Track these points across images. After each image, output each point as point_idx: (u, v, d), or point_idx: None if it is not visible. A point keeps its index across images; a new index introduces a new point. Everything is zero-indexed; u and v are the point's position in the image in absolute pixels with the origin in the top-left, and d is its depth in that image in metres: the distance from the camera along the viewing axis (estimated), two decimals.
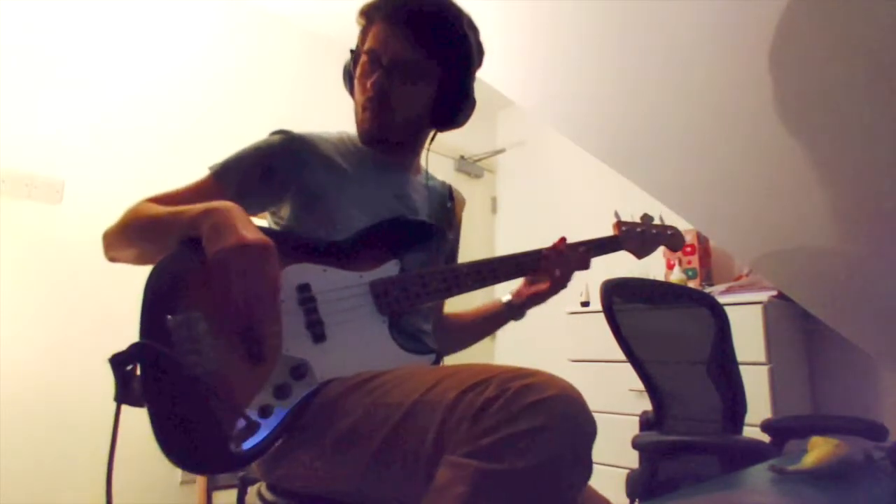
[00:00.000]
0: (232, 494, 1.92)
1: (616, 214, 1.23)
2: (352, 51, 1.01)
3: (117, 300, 2.08)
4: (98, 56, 2.24)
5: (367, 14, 0.98)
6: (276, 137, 0.95)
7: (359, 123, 0.99)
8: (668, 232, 1.28)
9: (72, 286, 2.05)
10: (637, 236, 1.22)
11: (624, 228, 1.21)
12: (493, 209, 3.62)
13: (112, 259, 0.91)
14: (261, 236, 0.75)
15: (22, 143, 2.02)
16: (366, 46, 0.97)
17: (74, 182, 2.11)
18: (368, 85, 0.95)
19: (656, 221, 1.27)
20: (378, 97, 0.95)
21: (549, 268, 1.07)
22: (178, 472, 2.22)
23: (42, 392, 1.95)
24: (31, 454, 1.91)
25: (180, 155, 2.28)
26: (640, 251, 1.23)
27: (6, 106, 1.99)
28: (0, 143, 1.96)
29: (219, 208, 0.77)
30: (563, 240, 1.11)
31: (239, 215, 0.77)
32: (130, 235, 0.87)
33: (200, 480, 2.06)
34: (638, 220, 1.25)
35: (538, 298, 1.12)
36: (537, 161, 3.42)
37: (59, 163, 2.09)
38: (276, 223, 0.99)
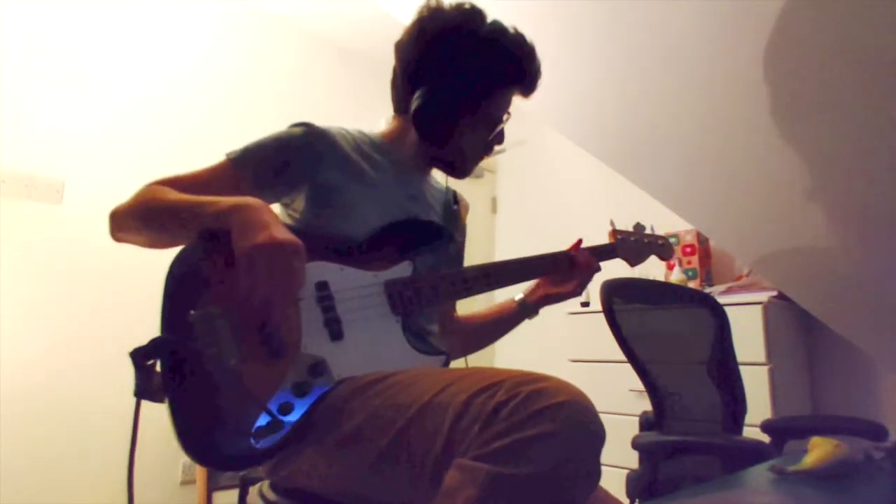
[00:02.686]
0: (232, 495, 1.93)
1: (611, 223, 1.26)
2: (480, 105, 1.02)
3: (118, 300, 2.09)
4: (98, 56, 2.24)
5: (519, 85, 1.04)
6: (298, 130, 0.94)
7: (468, 164, 1.06)
8: (659, 242, 1.32)
9: (72, 286, 2.06)
10: (631, 245, 1.26)
11: (619, 237, 1.25)
12: (494, 209, 3.62)
13: (118, 240, 0.88)
14: (291, 236, 0.75)
15: (22, 143, 2.02)
16: (506, 115, 1.05)
17: (74, 182, 2.11)
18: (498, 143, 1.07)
19: (648, 231, 1.30)
20: None
21: (573, 272, 1.13)
22: (178, 472, 2.22)
23: (42, 392, 1.95)
24: (31, 454, 1.91)
25: (180, 154, 2.27)
26: (634, 259, 1.27)
27: (6, 106, 2.00)
28: (0, 143, 1.97)
29: (250, 204, 0.77)
30: (580, 242, 1.16)
31: (269, 213, 0.77)
32: (145, 220, 0.84)
33: (200, 480, 2.06)
34: (631, 228, 1.27)
35: (557, 299, 1.16)
36: (537, 161, 3.42)
37: (59, 163, 2.10)
38: (289, 215, 0.98)
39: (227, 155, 0.92)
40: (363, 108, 2.79)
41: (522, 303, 1.17)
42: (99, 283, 2.09)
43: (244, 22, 2.70)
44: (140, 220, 0.85)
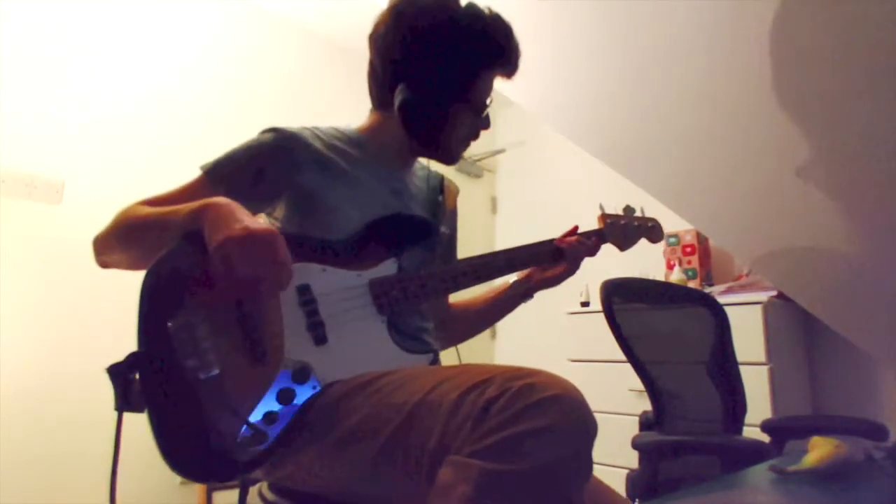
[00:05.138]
0: (232, 495, 1.92)
1: (601, 207, 1.24)
2: (468, 90, 1.00)
3: (117, 300, 2.08)
4: (98, 56, 2.24)
5: (502, 66, 1.02)
6: (268, 136, 0.93)
7: (456, 151, 1.04)
8: (649, 224, 1.28)
9: (72, 286, 2.05)
10: (620, 228, 1.23)
11: (608, 221, 1.22)
12: (493, 209, 3.62)
13: (104, 265, 0.88)
14: (265, 226, 0.74)
15: (22, 143, 2.02)
16: (489, 99, 1.02)
17: (74, 182, 2.11)
18: (484, 128, 1.05)
19: (637, 213, 1.27)
20: None
21: (565, 255, 1.12)
22: None
23: (42, 392, 1.95)
24: (31, 454, 1.90)
25: (180, 154, 2.27)
26: (623, 243, 1.24)
27: (7, 106, 1.99)
28: (0, 143, 1.97)
29: (219, 201, 0.76)
30: (576, 228, 1.15)
31: (240, 209, 0.76)
32: (123, 238, 0.84)
33: None
34: (621, 211, 1.25)
35: (550, 283, 1.14)
36: (537, 161, 3.42)
37: (59, 163, 2.09)
38: (271, 224, 0.97)
39: (201, 168, 0.91)
40: (363, 108, 2.78)
41: (516, 287, 1.16)
42: (98, 283, 2.08)
43: (244, 22, 2.70)
44: (118, 239, 0.85)
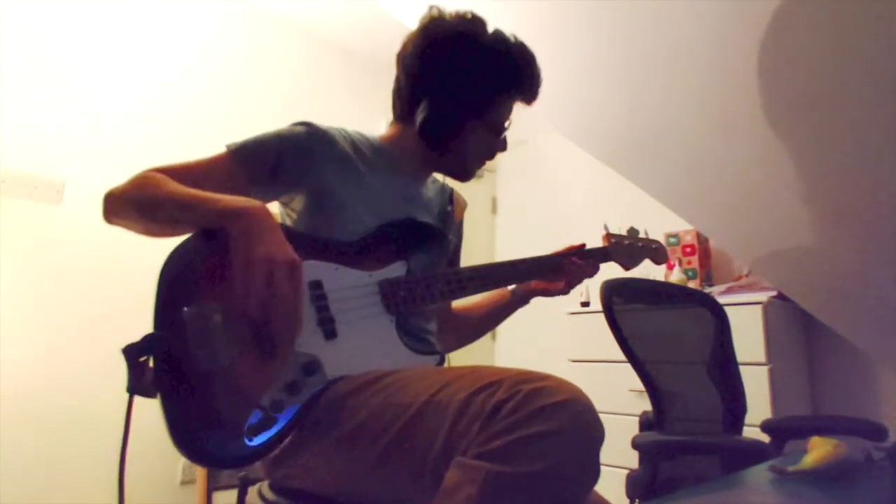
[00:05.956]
0: (232, 494, 1.93)
1: (605, 227, 1.29)
2: (488, 112, 1.04)
3: (117, 300, 2.09)
4: (99, 56, 2.24)
5: (522, 92, 1.06)
6: (299, 129, 0.95)
7: (472, 169, 1.08)
8: (653, 246, 1.34)
9: (72, 286, 2.06)
10: (625, 249, 1.28)
11: (613, 241, 1.27)
12: (493, 209, 3.62)
13: (111, 222, 0.87)
14: (289, 252, 0.75)
15: (22, 143, 2.02)
16: (507, 122, 1.07)
17: (74, 182, 2.12)
18: (501, 150, 1.09)
19: (641, 235, 1.31)
20: None
21: (565, 272, 1.15)
22: (178, 472, 2.22)
23: (41, 392, 1.95)
24: (31, 453, 1.91)
25: (180, 154, 2.27)
26: (628, 263, 1.29)
27: (6, 106, 2.00)
28: (0, 143, 1.97)
29: (252, 211, 0.77)
30: (583, 245, 1.20)
31: (270, 223, 0.77)
32: (141, 208, 0.84)
33: (200, 480, 2.06)
34: (625, 232, 1.30)
35: (548, 294, 1.19)
36: (537, 161, 3.42)
37: (59, 163, 2.10)
38: (287, 214, 0.99)
39: (227, 147, 0.93)
40: (363, 108, 2.79)
41: (515, 292, 1.21)
42: (98, 283, 2.09)
43: (244, 22, 2.70)
44: (135, 207, 0.85)
